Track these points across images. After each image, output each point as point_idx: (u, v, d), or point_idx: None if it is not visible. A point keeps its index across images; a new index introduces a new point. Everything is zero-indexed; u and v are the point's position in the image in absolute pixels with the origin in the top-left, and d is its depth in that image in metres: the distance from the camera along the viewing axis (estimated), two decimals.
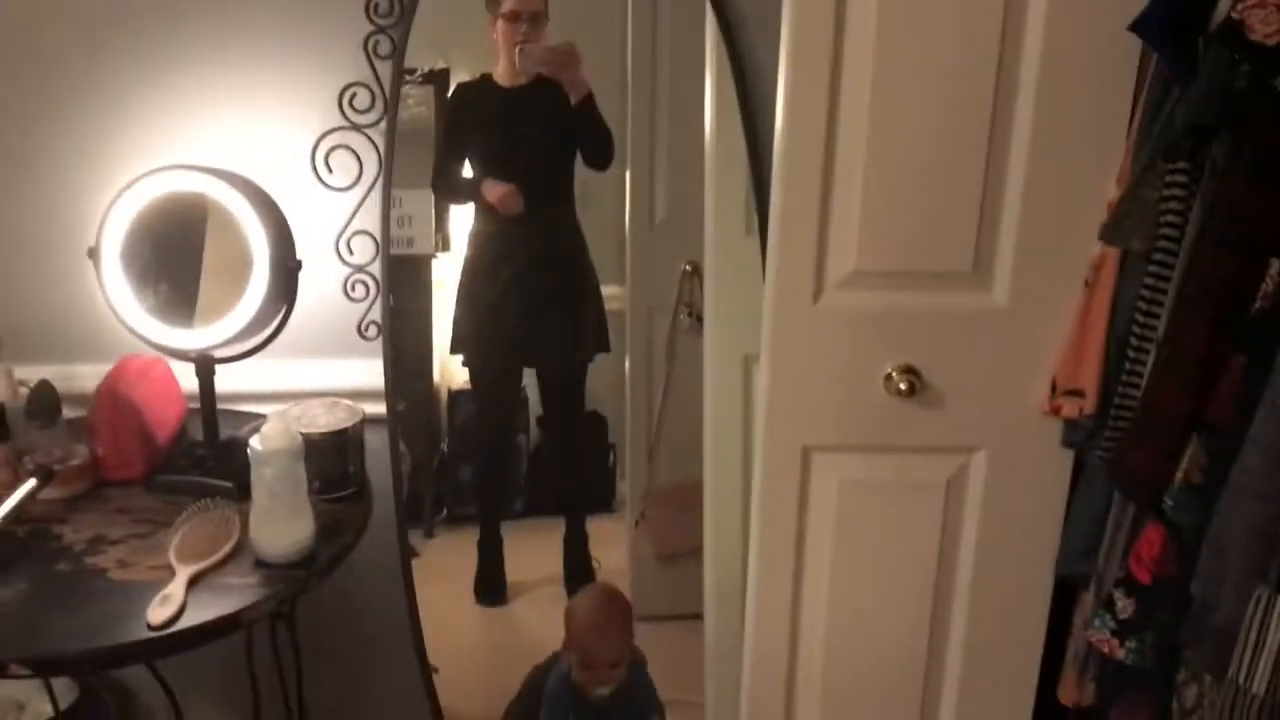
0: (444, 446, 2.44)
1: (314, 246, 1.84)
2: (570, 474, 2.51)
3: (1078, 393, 1.49)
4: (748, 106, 1.93)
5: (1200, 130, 1.24)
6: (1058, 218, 1.48)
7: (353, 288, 1.92)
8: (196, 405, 1.79)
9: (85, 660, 1.43)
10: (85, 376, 1.83)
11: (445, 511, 2.45)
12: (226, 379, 1.79)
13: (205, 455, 1.77)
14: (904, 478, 1.62)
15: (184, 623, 1.42)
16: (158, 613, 1.42)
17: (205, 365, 1.75)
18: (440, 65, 2.14)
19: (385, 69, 1.82)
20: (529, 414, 2.45)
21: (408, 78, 2.05)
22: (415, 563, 2.13)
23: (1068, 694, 1.57)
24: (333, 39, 1.83)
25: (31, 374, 1.77)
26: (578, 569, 2.43)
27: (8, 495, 1.57)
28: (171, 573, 1.51)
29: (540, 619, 2.41)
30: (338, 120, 1.84)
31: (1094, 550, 1.49)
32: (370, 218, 1.89)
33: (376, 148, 1.85)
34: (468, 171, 2.21)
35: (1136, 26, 1.32)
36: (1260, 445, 1.12)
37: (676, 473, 2.35)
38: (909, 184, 1.48)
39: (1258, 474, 1.12)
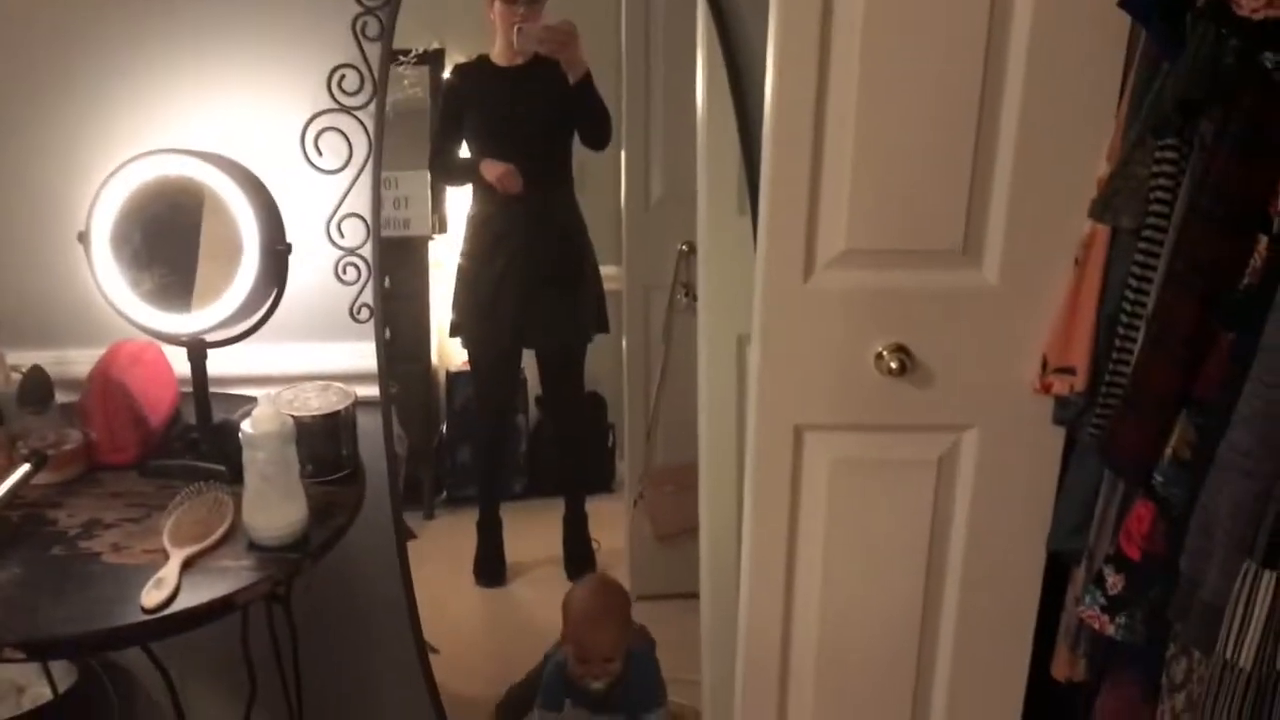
0: (443, 428, 2.44)
1: (304, 230, 1.84)
2: (569, 455, 2.51)
3: (1068, 370, 1.48)
4: (738, 86, 1.92)
5: (1189, 106, 1.23)
6: (1048, 195, 1.48)
7: (344, 270, 1.92)
8: (189, 389, 1.79)
9: (80, 644, 1.44)
10: (78, 362, 1.84)
11: (445, 493, 2.46)
12: (219, 363, 1.79)
13: (198, 439, 1.77)
14: (896, 456, 1.62)
15: (178, 606, 1.43)
16: (152, 596, 1.43)
17: (197, 349, 1.75)
18: (435, 46, 2.13)
19: (374, 50, 1.82)
20: (528, 395, 2.46)
21: (402, 59, 2.05)
22: (414, 544, 2.13)
23: (1060, 669, 1.57)
24: (321, 20, 1.82)
25: (24, 359, 1.77)
26: (577, 550, 2.44)
27: (1, 481, 1.57)
28: (165, 556, 1.51)
29: (539, 600, 2.42)
30: (327, 102, 1.83)
31: (1085, 527, 1.49)
32: (361, 200, 1.89)
33: (366, 130, 1.85)
34: (465, 152, 2.21)
35: (1125, 2, 1.30)
36: (1247, 421, 1.11)
37: (674, 453, 2.35)
38: (898, 163, 1.47)
39: (1244, 450, 1.11)
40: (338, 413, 1.76)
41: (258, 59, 1.87)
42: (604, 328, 2.33)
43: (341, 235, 1.91)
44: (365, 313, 1.93)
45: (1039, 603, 1.66)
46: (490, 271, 2.25)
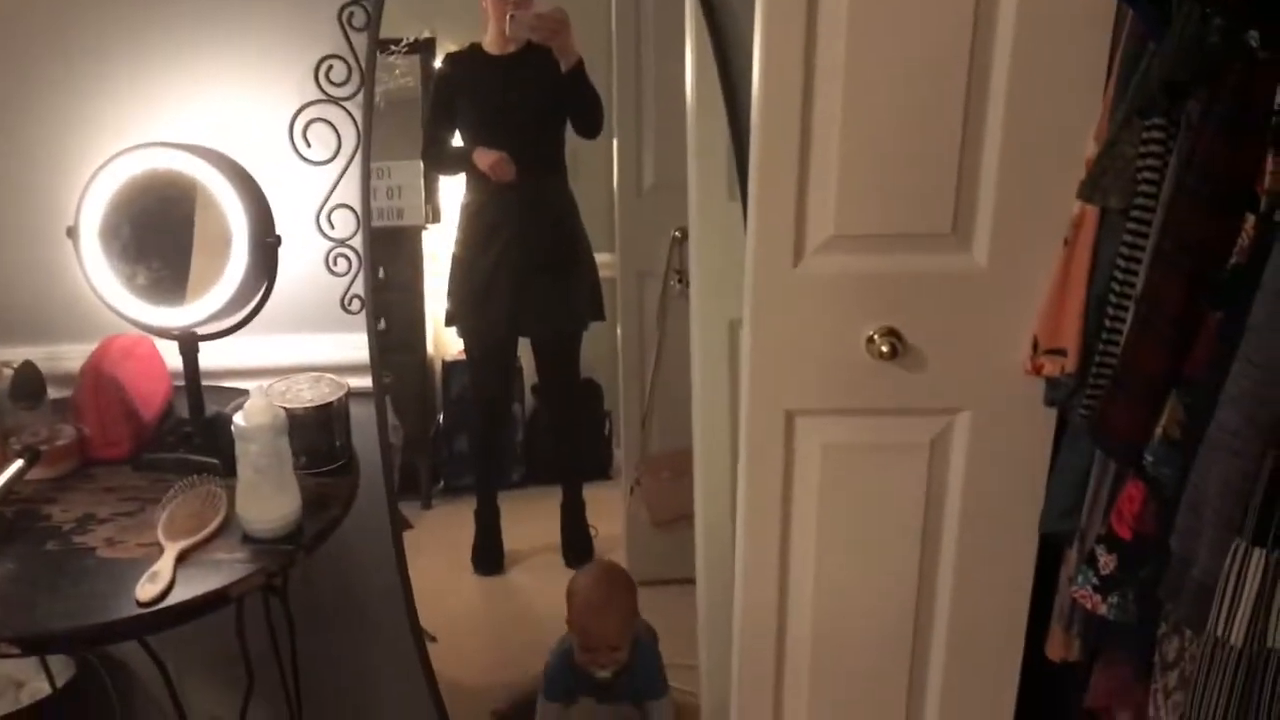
0: (439, 418, 2.44)
1: (294, 221, 1.84)
2: (566, 443, 2.51)
3: (1059, 351, 1.48)
4: (727, 72, 1.92)
5: (1174, 88, 1.23)
6: (1036, 176, 1.47)
7: (334, 262, 1.92)
8: (182, 383, 1.79)
9: (75, 638, 1.45)
10: (69, 357, 1.84)
11: (442, 482, 2.47)
12: (212, 356, 1.80)
13: (191, 433, 1.77)
14: (888, 439, 1.62)
15: (173, 599, 1.44)
16: (146, 589, 1.43)
17: (189, 343, 1.75)
18: (426, 34, 2.13)
19: (361, 40, 1.81)
20: (524, 383, 2.46)
21: (393, 48, 2.05)
22: (412, 534, 2.14)
23: (1055, 650, 1.58)
24: (307, 11, 1.82)
25: (15, 355, 1.77)
26: (575, 537, 2.45)
27: None
28: (160, 550, 1.52)
29: (538, 588, 2.43)
30: (315, 93, 1.83)
31: (1077, 508, 1.49)
32: (351, 191, 1.89)
33: (355, 120, 1.85)
34: (458, 141, 2.20)
35: None
36: (1235, 401, 1.11)
37: (670, 439, 2.35)
38: (886, 147, 1.47)
39: (1232, 430, 1.11)
40: (330, 404, 1.76)
41: (245, 51, 1.86)
42: (599, 315, 2.33)
43: (331, 226, 1.91)
44: (357, 304, 1.93)
45: (1033, 584, 1.67)
46: (484, 260, 2.25)
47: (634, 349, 2.35)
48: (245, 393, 1.81)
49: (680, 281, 2.24)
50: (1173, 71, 1.21)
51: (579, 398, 2.48)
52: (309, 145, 1.86)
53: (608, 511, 2.45)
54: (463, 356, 2.38)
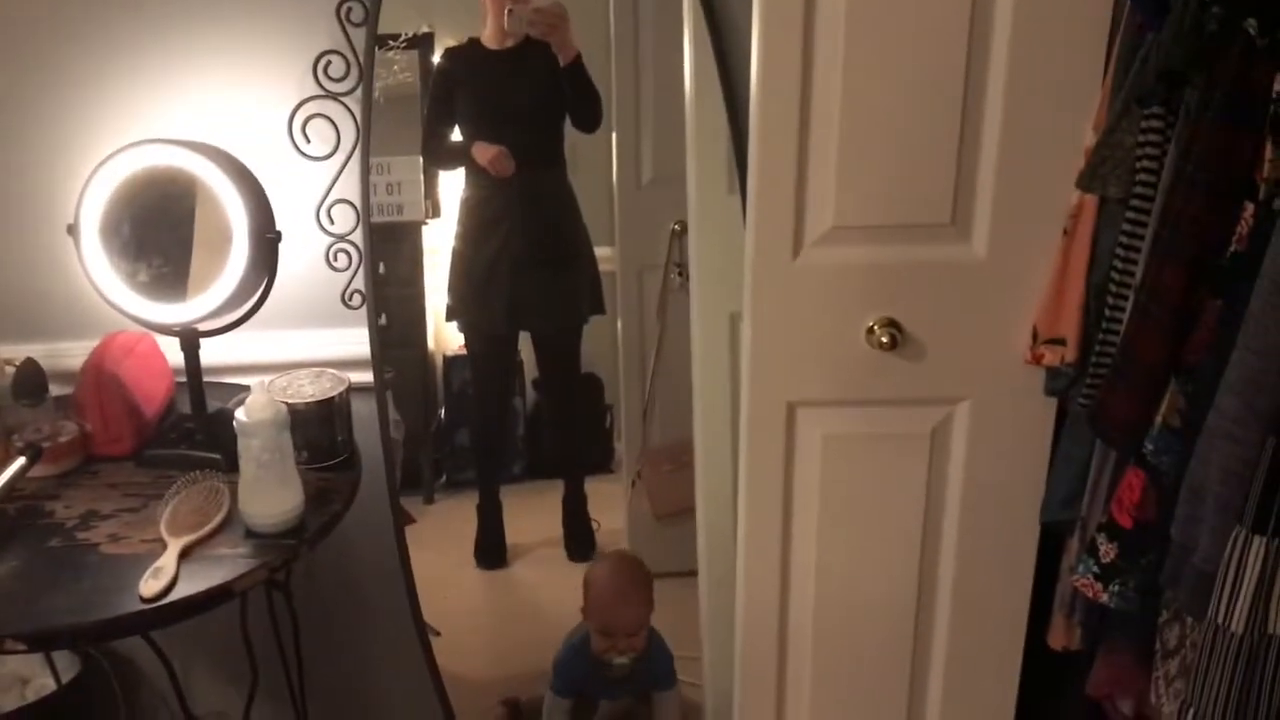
0: (441, 412, 2.44)
1: (294, 217, 1.84)
2: (568, 436, 2.52)
3: (1059, 341, 1.49)
4: (725, 65, 1.92)
5: (1172, 75, 1.23)
6: (1035, 166, 1.47)
7: (335, 257, 1.92)
8: (184, 379, 1.79)
9: (79, 634, 1.44)
10: (71, 354, 1.84)
11: (444, 477, 2.47)
12: (213, 352, 1.80)
13: (193, 428, 1.78)
14: (888, 430, 1.62)
15: (176, 594, 1.44)
16: (150, 585, 1.43)
17: (190, 339, 1.75)
18: (424, 29, 2.13)
19: (359, 36, 1.81)
20: (525, 378, 2.46)
21: (391, 43, 2.05)
22: (415, 528, 2.14)
23: (1057, 639, 1.58)
24: (306, 7, 1.82)
25: (16, 352, 1.78)
26: (577, 530, 2.45)
27: None
28: (163, 545, 1.52)
29: (541, 581, 2.44)
30: (314, 89, 1.83)
31: (1078, 497, 1.49)
32: (350, 186, 1.89)
33: (354, 116, 1.85)
34: (457, 136, 2.20)
35: None
36: (1234, 388, 1.11)
37: (671, 432, 2.36)
38: (885, 138, 1.47)
39: (1232, 417, 1.11)
40: (332, 399, 1.76)
41: (244, 47, 1.86)
42: (599, 309, 2.33)
43: (331, 222, 1.91)
44: (357, 299, 1.93)
45: (1034, 573, 1.67)
46: (484, 255, 2.25)
47: (634, 342, 2.35)
48: (247, 388, 1.82)
49: (680, 275, 2.24)
50: (1171, 60, 1.21)
51: (580, 391, 2.48)
52: (308, 141, 1.86)
53: (609, 505, 2.46)
54: (463, 351, 2.39)
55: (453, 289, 2.28)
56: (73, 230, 1.68)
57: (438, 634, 2.11)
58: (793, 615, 1.72)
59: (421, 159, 2.16)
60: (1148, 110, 1.30)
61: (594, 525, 2.46)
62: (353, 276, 1.93)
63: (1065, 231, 1.47)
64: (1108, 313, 1.38)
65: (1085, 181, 1.41)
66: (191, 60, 1.86)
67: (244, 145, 1.77)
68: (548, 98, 2.16)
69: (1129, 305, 1.34)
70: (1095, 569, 1.35)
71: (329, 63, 1.82)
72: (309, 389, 1.77)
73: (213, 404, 1.81)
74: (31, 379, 1.72)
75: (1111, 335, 1.37)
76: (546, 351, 2.40)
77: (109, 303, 1.71)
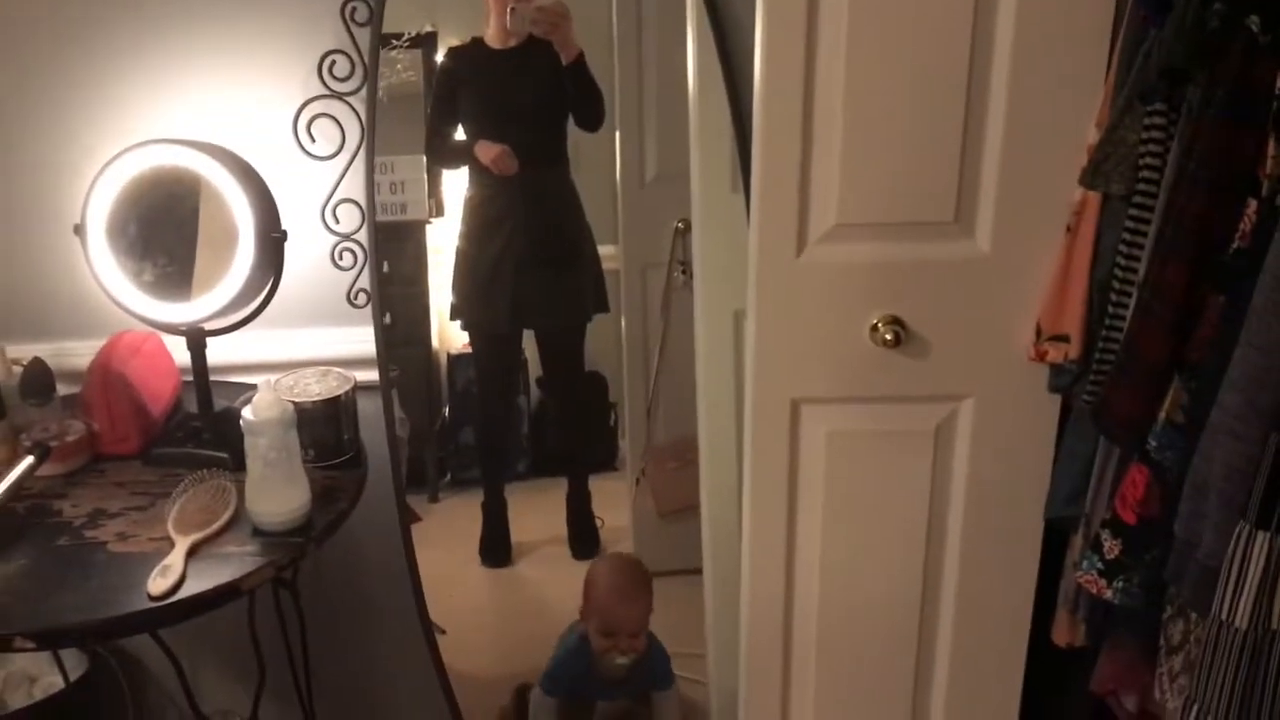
0: (445, 411, 2.45)
1: (300, 216, 1.85)
2: (572, 434, 2.52)
3: (1062, 338, 1.49)
4: (729, 63, 1.92)
5: (1175, 71, 1.23)
6: (1038, 163, 1.48)
7: (340, 256, 1.93)
8: (190, 378, 1.80)
9: (87, 632, 1.45)
10: (78, 353, 1.85)
11: (449, 475, 2.47)
12: (220, 351, 1.81)
13: (200, 427, 1.78)
14: (893, 427, 1.62)
15: (184, 592, 1.44)
16: (158, 583, 1.44)
17: (196, 338, 1.76)
18: (428, 29, 2.13)
19: (364, 35, 1.82)
20: (529, 376, 2.46)
21: (395, 42, 2.05)
22: (420, 526, 2.15)
23: (1061, 635, 1.58)
24: (310, 7, 1.82)
25: (24, 352, 1.78)
26: (582, 528, 2.45)
27: (6, 473, 1.59)
28: (170, 544, 1.53)
29: (545, 579, 2.44)
30: (318, 89, 1.83)
31: (1082, 494, 1.50)
32: (355, 186, 1.89)
33: (358, 115, 1.85)
34: (461, 135, 2.21)
35: None
36: (1236, 384, 1.12)
37: (675, 429, 2.36)
38: (888, 135, 1.47)
39: (1234, 413, 1.12)
40: (338, 397, 1.77)
41: (249, 47, 1.87)
42: (603, 307, 2.33)
43: (337, 221, 1.91)
44: (363, 298, 1.94)
45: (1038, 569, 1.67)
46: (488, 253, 2.25)
47: (638, 340, 2.35)
48: (253, 387, 1.82)
49: (684, 273, 2.24)
50: (1173, 57, 1.21)
51: (584, 390, 2.48)
52: (313, 140, 1.87)
53: (614, 502, 2.46)
54: (468, 350, 2.39)
55: (457, 288, 2.28)
56: (79, 230, 1.68)
57: (443, 632, 2.11)
58: (797, 612, 1.72)
59: (425, 158, 2.17)
60: (1150, 107, 1.30)
61: (598, 523, 2.46)
62: (358, 275, 1.93)
63: (1068, 228, 1.47)
64: (1111, 309, 1.38)
65: (1088, 178, 1.41)
66: (197, 60, 1.87)
67: (249, 145, 1.78)
68: (551, 97, 2.16)
69: (1132, 302, 1.35)
70: (1099, 565, 1.36)
71: (334, 62, 1.82)
72: (315, 388, 1.78)
73: (219, 403, 1.81)
74: (39, 378, 1.73)
75: (1115, 332, 1.38)
76: (550, 350, 2.40)
77: (116, 302, 1.71)
